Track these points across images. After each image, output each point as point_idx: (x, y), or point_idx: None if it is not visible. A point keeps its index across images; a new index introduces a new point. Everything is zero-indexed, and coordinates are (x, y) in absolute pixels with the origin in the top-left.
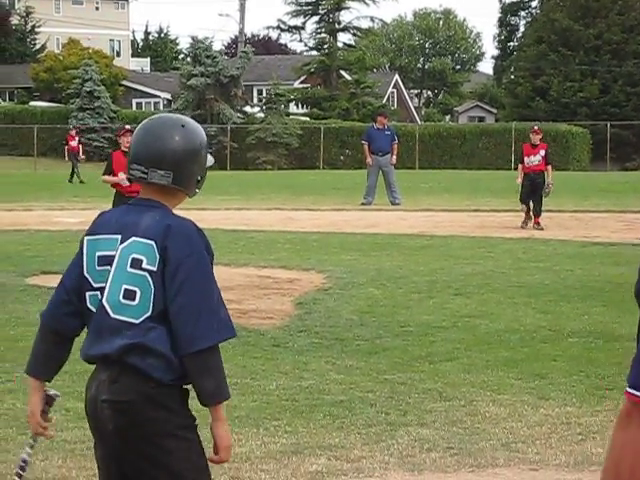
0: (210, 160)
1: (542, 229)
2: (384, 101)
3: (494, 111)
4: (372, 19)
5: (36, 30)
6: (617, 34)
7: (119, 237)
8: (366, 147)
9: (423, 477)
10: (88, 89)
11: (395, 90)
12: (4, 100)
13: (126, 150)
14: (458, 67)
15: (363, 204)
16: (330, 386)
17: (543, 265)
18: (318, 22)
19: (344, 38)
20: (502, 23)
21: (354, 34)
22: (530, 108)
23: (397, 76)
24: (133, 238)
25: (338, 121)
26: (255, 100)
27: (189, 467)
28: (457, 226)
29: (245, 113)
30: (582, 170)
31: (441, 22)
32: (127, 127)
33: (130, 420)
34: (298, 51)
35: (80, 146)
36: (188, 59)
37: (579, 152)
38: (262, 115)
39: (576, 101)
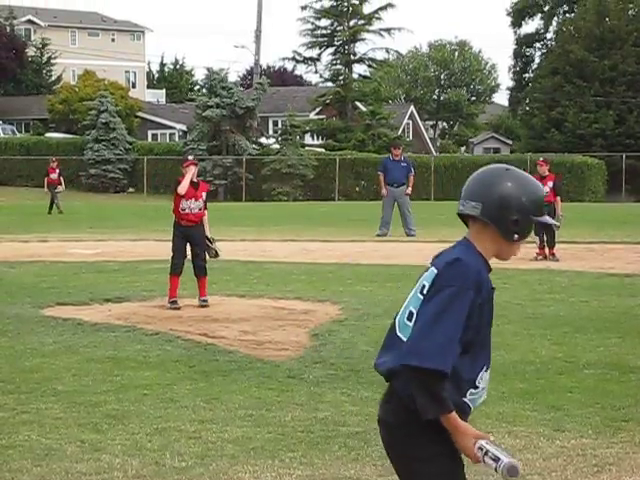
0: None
1: (557, 260)
2: (399, 132)
3: (509, 142)
4: (387, 50)
5: (52, 62)
6: (632, 65)
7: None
8: (382, 178)
9: None
10: (104, 120)
11: (410, 121)
12: (20, 132)
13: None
14: (473, 98)
15: (378, 235)
16: (346, 417)
17: (559, 296)
18: (333, 53)
19: (359, 69)
20: (517, 54)
21: (369, 65)
22: (545, 139)
23: (412, 107)
24: (431, 268)
25: (353, 152)
26: (270, 131)
27: None
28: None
29: (260, 144)
30: (598, 201)
31: (456, 53)
32: (190, 158)
33: (389, 441)
34: (313, 82)
35: (61, 178)
36: (203, 90)
37: (594, 183)
38: (277, 146)
39: (591, 132)
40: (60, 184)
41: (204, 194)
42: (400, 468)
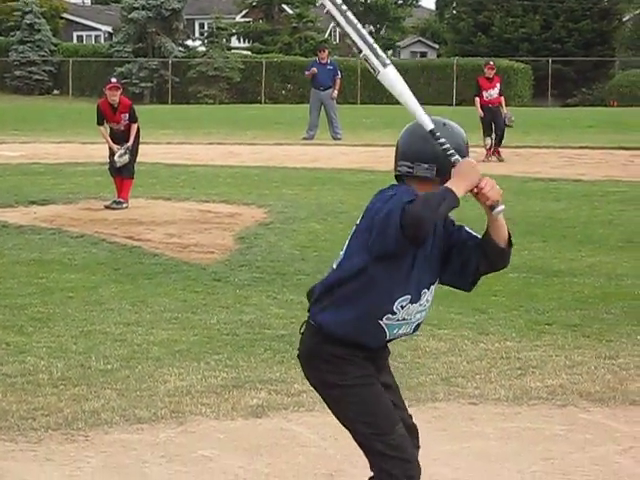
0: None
1: (503, 160)
2: (326, 36)
3: (436, 46)
4: None
5: None
6: None
7: None
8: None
9: None
10: (28, 22)
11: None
12: None
13: (112, 103)
14: (400, 2)
15: (305, 138)
16: (271, 320)
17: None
18: None
19: None
20: None
21: None
22: (472, 43)
23: (331, 25)
24: None
25: (280, 55)
26: (197, 34)
27: None
28: None
29: (187, 47)
30: (524, 106)
31: None
32: (113, 81)
33: (305, 370)
34: None
35: None
36: None
37: (521, 88)
38: (204, 49)
39: (518, 37)
40: None
41: (124, 115)
42: (320, 395)
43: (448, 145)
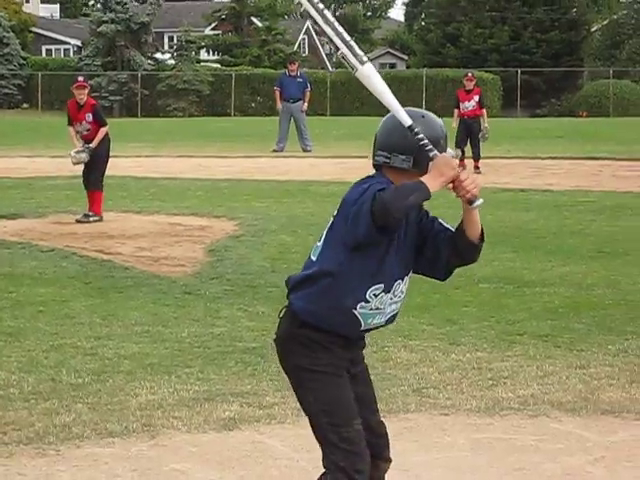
0: (449, 152)
1: (480, 173)
2: (295, 48)
3: (405, 58)
4: None
5: None
6: None
7: None
8: (277, 94)
9: None
10: None
11: (306, 37)
12: None
13: (79, 102)
14: (369, 14)
15: (275, 151)
16: (242, 333)
17: (453, 212)
18: None
19: None
20: None
21: None
22: (441, 54)
23: (308, 23)
24: None
25: (249, 68)
26: (166, 47)
27: None
28: (369, 173)
29: (156, 60)
30: (493, 117)
31: None
32: (80, 79)
33: (280, 352)
34: None
35: None
36: (98, 5)
37: (490, 99)
38: (173, 62)
39: (486, 48)
40: None
41: (88, 114)
42: (289, 379)
43: (426, 141)
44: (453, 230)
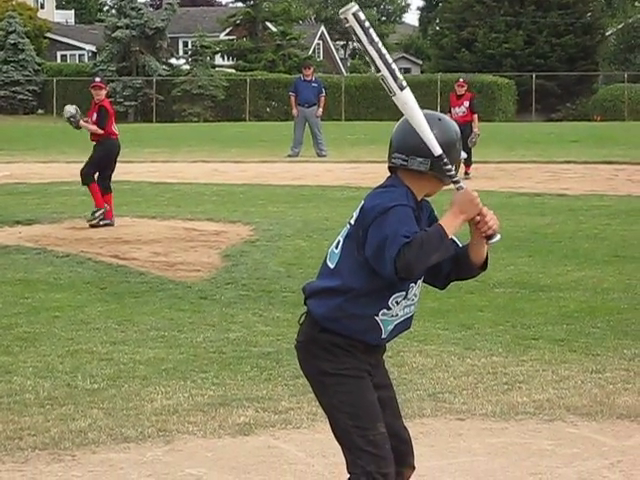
0: (463, 155)
1: (469, 178)
2: (310, 53)
3: (420, 62)
4: None
5: None
6: None
7: None
8: (293, 99)
9: None
10: (12, 41)
11: (321, 42)
12: None
13: (95, 101)
14: (384, 19)
15: (290, 156)
16: (257, 338)
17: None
18: None
19: None
20: None
21: None
22: (456, 59)
23: (323, 27)
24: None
25: (264, 73)
26: (181, 52)
27: None
28: (383, 178)
29: (171, 65)
30: (508, 121)
31: None
32: (97, 80)
33: (302, 358)
34: (223, 2)
35: None
36: (113, 11)
37: (505, 103)
38: (187, 67)
39: (501, 52)
40: None
41: (94, 114)
42: (312, 384)
43: (454, 172)
44: (459, 245)
